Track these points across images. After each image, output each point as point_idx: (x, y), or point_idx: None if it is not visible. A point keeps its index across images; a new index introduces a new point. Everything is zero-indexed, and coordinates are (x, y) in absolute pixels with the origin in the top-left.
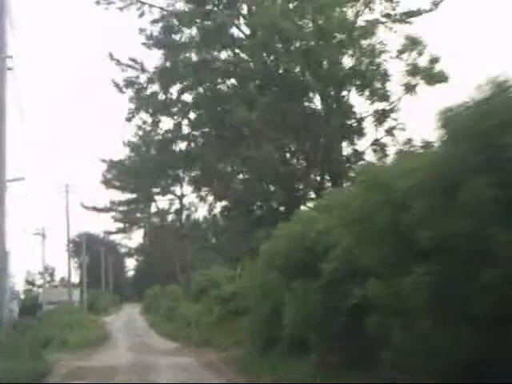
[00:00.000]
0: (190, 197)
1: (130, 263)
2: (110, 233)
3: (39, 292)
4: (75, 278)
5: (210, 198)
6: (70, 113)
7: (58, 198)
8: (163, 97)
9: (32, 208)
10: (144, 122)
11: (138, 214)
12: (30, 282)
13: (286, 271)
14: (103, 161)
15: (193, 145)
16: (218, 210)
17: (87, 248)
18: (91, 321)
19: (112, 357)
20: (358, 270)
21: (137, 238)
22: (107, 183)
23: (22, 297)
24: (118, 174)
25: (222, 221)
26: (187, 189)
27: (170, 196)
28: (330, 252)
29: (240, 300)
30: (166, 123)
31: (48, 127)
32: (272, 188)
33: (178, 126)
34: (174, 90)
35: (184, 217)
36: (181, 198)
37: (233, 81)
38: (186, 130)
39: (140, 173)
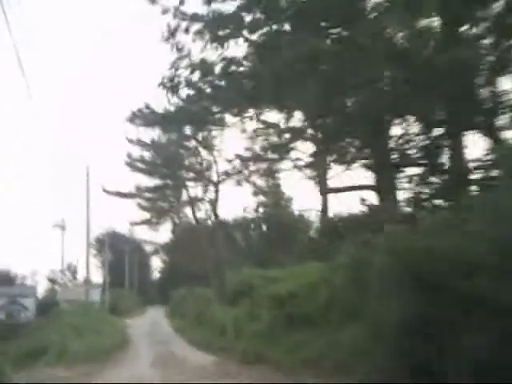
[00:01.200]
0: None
1: (156, 263)
2: (135, 223)
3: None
4: (98, 278)
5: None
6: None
7: (78, 184)
8: None
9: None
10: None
11: (165, 204)
12: (52, 280)
13: None
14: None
15: None
16: None
17: (111, 246)
18: (110, 323)
19: (125, 378)
20: None
21: (164, 232)
22: (132, 165)
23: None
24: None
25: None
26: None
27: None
28: None
29: (302, 303)
30: None
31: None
32: None
33: None
34: None
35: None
36: (217, 184)
37: None
38: None
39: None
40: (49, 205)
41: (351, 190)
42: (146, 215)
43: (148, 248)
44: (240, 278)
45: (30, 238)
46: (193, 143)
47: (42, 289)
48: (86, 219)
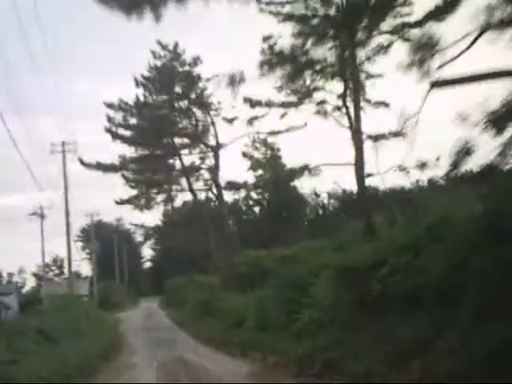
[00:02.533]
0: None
1: (147, 252)
2: (122, 202)
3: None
4: (87, 271)
5: None
6: None
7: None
8: None
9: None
10: None
11: (156, 177)
12: (38, 276)
13: None
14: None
15: None
16: None
17: (98, 237)
18: (98, 320)
19: None
20: None
21: (156, 214)
22: (114, 133)
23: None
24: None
25: None
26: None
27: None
28: None
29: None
30: None
31: None
32: None
33: None
34: None
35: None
36: (216, 149)
37: None
38: None
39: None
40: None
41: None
42: (134, 192)
43: (138, 236)
44: (246, 260)
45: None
46: (185, 103)
47: (30, 286)
48: (65, 201)
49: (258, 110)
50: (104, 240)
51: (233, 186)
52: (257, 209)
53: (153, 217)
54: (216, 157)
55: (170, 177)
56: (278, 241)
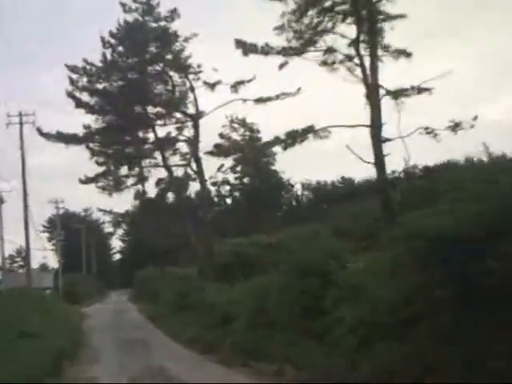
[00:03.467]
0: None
1: (116, 243)
2: (87, 181)
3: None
4: (55, 263)
5: None
6: None
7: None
8: None
9: None
10: None
11: (127, 150)
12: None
13: None
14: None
15: None
16: None
17: (65, 228)
18: (58, 316)
19: None
20: None
21: (127, 199)
22: (77, 100)
23: None
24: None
25: None
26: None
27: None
28: None
29: None
30: None
31: None
32: None
33: None
34: None
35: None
36: (195, 118)
37: None
38: None
39: None
40: None
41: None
42: (101, 170)
43: (107, 227)
44: (228, 248)
45: None
46: (160, 65)
47: None
48: (22, 179)
49: (252, 58)
50: (71, 231)
51: (221, 151)
52: (229, 199)
53: (123, 202)
54: (196, 127)
55: (141, 151)
56: (255, 229)
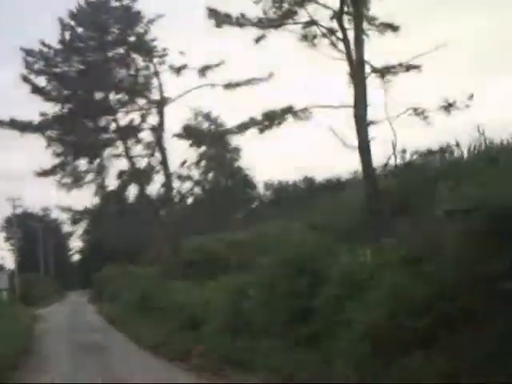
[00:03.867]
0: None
1: (75, 244)
2: (44, 173)
3: None
4: (11, 265)
5: None
6: None
7: None
8: None
9: None
10: None
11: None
12: None
13: None
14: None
15: None
16: None
17: (23, 227)
18: (7, 318)
19: None
20: None
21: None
22: (33, 84)
23: None
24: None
25: None
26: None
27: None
28: None
29: None
30: None
31: None
32: None
33: None
34: None
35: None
36: (161, 104)
37: None
38: None
39: None
40: None
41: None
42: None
43: (66, 227)
44: (193, 246)
45: None
46: (123, 48)
47: None
48: None
49: (226, 30)
50: (29, 230)
51: (192, 133)
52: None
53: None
54: (161, 114)
55: (102, 140)
56: (217, 227)
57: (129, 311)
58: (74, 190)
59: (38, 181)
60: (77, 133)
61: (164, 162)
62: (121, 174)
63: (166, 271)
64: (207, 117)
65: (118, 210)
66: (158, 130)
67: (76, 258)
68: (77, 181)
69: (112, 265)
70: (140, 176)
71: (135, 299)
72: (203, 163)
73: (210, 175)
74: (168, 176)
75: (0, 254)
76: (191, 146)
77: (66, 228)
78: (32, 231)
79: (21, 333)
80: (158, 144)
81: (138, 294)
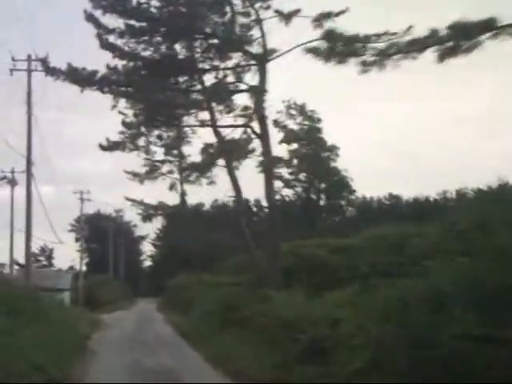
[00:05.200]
0: None
1: (147, 248)
2: (109, 147)
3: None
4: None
5: None
6: None
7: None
8: None
9: None
10: None
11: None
12: (21, 266)
13: None
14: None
15: None
16: None
17: (94, 229)
18: (55, 325)
19: None
20: None
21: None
22: (101, 27)
23: None
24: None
25: None
26: None
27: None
28: None
29: None
30: None
31: None
32: None
33: None
34: None
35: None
36: (263, 59)
37: None
38: None
39: None
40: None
41: None
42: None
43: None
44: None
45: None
46: None
47: None
48: (27, 155)
49: None
50: (100, 232)
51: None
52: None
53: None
54: (262, 72)
55: (183, 104)
56: (311, 233)
57: (206, 324)
58: (147, 182)
59: (107, 183)
60: (151, 93)
61: (263, 135)
62: (205, 149)
63: (259, 280)
64: (301, 110)
65: (194, 213)
66: (257, 92)
67: (147, 263)
68: (152, 172)
69: (186, 272)
70: (231, 151)
71: (216, 310)
72: (294, 162)
73: (302, 176)
74: (268, 153)
75: (72, 256)
76: (280, 143)
77: (139, 232)
78: (103, 232)
79: (65, 347)
80: (258, 111)
81: (219, 304)
